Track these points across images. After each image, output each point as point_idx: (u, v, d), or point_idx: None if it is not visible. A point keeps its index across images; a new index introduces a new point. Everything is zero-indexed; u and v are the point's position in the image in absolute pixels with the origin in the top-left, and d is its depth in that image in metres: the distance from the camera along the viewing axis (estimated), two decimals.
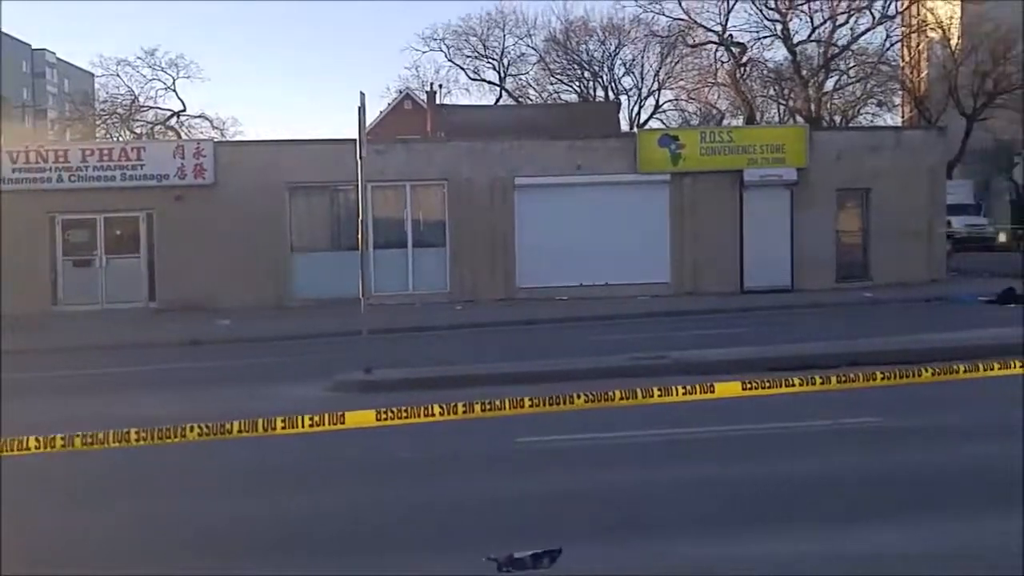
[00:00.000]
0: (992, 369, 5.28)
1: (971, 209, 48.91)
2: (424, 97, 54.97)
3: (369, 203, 25.48)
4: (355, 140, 14.75)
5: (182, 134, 48.29)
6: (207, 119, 51.15)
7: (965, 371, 5.09)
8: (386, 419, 4.78)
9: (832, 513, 6.72)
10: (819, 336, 16.48)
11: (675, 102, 60.75)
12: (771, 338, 16.53)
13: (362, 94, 14.62)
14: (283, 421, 4.69)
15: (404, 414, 4.72)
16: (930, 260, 27.96)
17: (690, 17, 50.51)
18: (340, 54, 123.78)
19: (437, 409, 4.62)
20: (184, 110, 50.37)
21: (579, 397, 4.50)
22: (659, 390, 4.80)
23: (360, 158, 14.55)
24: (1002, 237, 49.48)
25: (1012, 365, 5.48)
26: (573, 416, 6.33)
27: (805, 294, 25.74)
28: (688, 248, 27.23)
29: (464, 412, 4.56)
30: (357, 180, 14.85)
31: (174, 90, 50.32)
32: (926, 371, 5.11)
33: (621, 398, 4.58)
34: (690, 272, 27.19)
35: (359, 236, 15.04)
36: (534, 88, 61.21)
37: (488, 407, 4.57)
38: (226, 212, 25.60)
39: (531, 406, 4.52)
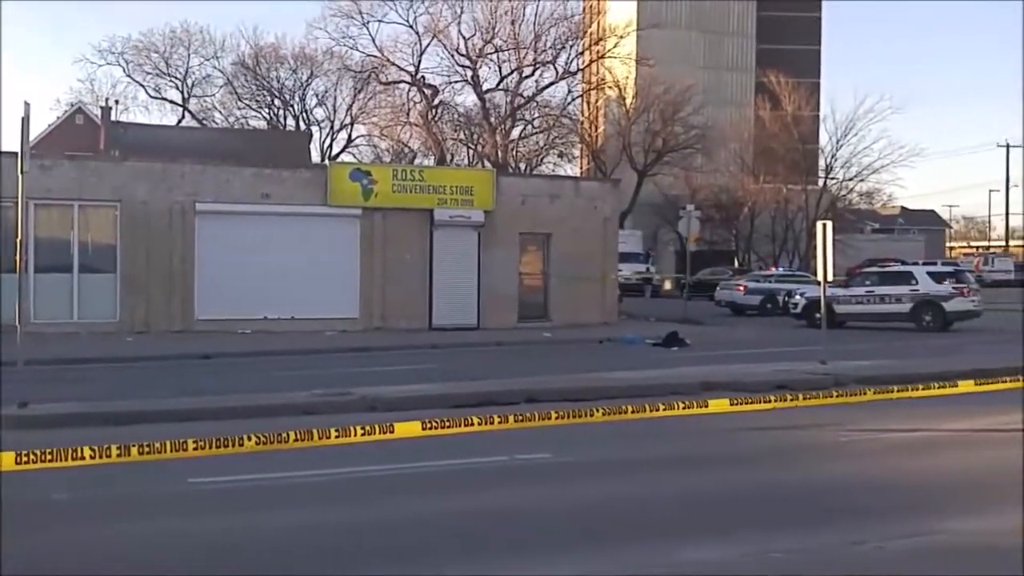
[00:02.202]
0: (657, 410, 5.54)
1: (640, 258, 52.78)
2: (98, 112, 51.61)
3: (31, 222, 23.45)
4: (17, 153, 13.50)
5: None
6: None
7: (633, 411, 5.31)
8: (27, 463, 4.24)
9: (502, 545, 6.78)
10: (501, 373, 16.94)
11: (368, 138, 61.04)
12: (456, 374, 16.79)
13: (27, 104, 13.37)
14: None
15: (49, 457, 4.21)
16: (603, 303, 29.72)
17: (383, 55, 51.01)
18: (4, 59, 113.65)
19: (87, 452, 4.15)
20: None
21: (249, 439, 4.21)
22: (336, 431, 4.60)
23: (22, 173, 13.32)
24: (667, 284, 53.83)
25: (676, 406, 5.80)
26: (250, 454, 5.99)
27: (490, 332, 26.48)
28: (378, 283, 27.24)
29: (119, 455, 4.13)
30: (18, 197, 13.59)
31: None
32: (597, 411, 5.27)
33: (296, 440, 4.34)
34: (379, 307, 27.19)
35: (17, 258, 13.74)
36: (220, 112, 59.33)
37: (147, 450, 4.16)
38: None
39: (196, 448, 4.17)
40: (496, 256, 28.19)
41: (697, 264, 44.86)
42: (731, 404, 7.47)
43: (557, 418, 5.57)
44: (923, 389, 9.19)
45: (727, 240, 62.32)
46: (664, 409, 6.14)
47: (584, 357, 21.70)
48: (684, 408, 7.06)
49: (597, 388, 14.22)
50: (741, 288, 37.53)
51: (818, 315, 23.11)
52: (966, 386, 9.48)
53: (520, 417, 5.71)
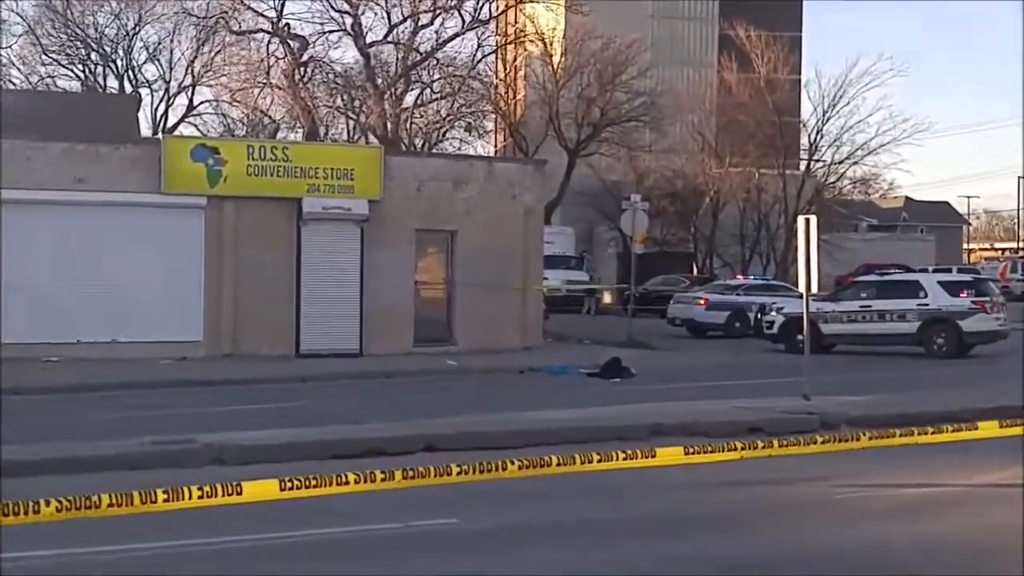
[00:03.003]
0: (591, 461, 5.56)
1: (572, 263, 53.23)
2: None
3: None
4: None
5: None
6: None
7: (560, 463, 5.32)
8: None
9: None
10: (391, 414, 16.88)
11: (215, 104, 60.40)
12: (332, 416, 16.69)
13: None
14: None
15: None
16: (524, 322, 29.86)
17: None
18: None
19: None
20: None
21: (48, 504, 4.09)
22: (165, 493, 4.51)
23: None
24: (607, 297, 54.39)
25: (615, 456, 5.83)
26: (49, 523, 5.84)
27: (377, 360, 26.41)
28: (228, 296, 26.95)
29: None
30: None
31: None
32: (512, 464, 5.27)
33: (111, 504, 4.24)
34: (230, 328, 26.90)
35: None
36: (19, 68, 58.09)
37: None
38: None
39: None
40: (385, 260, 28.13)
41: (645, 271, 45.46)
42: (687, 453, 7.55)
43: (461, 473, 5.56)
44: (933, 433, 9.39)
45: (684, 240, 63.29)
46: (601, 460, 6.16)
47: (499, 392, 21.72)
48: (628, 459, 7.10)
49: (515, 433, 14.22)
50: (702, 302, 38.13)
51: (800, 337, 23.53)
52: (988, 428, 9.71)
53: (415, 472, 5.68)
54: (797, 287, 19.96)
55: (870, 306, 29.92)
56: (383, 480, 5.44)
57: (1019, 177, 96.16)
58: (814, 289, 18.76)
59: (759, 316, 33.93)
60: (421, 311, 29.00)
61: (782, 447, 8.86)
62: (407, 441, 13.70)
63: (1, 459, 11.73)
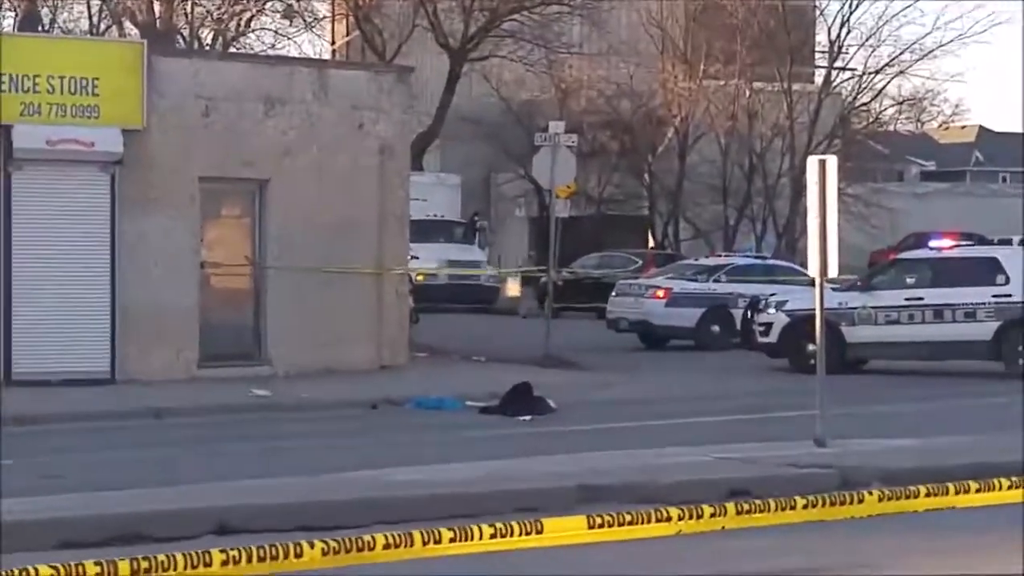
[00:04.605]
0: (473, 537, 5.74)
1: (458, 232, 53.29)
2: None
3: None
4: None
5: None
6: None
7: (427, 540, 5.50)
8: None
9: None
10: (164, 475, 16.88)
11: None
12: (69, 481, 16.67)
13: None
14: None
15: None
16: (380, 328, 29.93)
17: None
18: None
19: None
20: None
21: None
22: None
23: None
24: (511, 288, 54.39)
25: (509, 530, 5.99)
26: None
27: (139, 389, 26.31)
28: None
29: None
30: None
31: None
32: (378, 541, 5.41)
33: None
34: None
35: None
36: None
37: None
38: None
39: None
40: (151, 229, 28.01)
41: (575, 245, 45.95)
42: (592, 526, 7.78)
43: (262, 560, 5.74)
44: (1007, 488, 9.69)
45: (635, 197, 63.77)
46: (495, 535, 6.33)
47: (337, 439, 21.79)
48: (495, 536, 7.31)
49: (359, 503, 14.37)
50: (661, 294, 38.42)
51: (811, 348, 23.95)
52: None
53: (198, 559, 5.83)
54: (807, 270, 20.25)
55: (921, 299, 30.43)
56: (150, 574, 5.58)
57: None
58: (834, 273, 18.99)
59: (749, 315, 34.35)
60: (212, 312, 28.86)
61: (778, 513, 9.06)
62: (188, 519, 13.71)
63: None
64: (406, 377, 28.61)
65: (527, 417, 23.87)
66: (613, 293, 39.93)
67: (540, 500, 14.66)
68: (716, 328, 37.31)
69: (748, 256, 46.10)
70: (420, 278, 42.83)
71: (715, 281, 38.93)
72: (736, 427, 21.57)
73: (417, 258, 40.04)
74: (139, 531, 13.33)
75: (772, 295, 33.06)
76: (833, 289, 27.50)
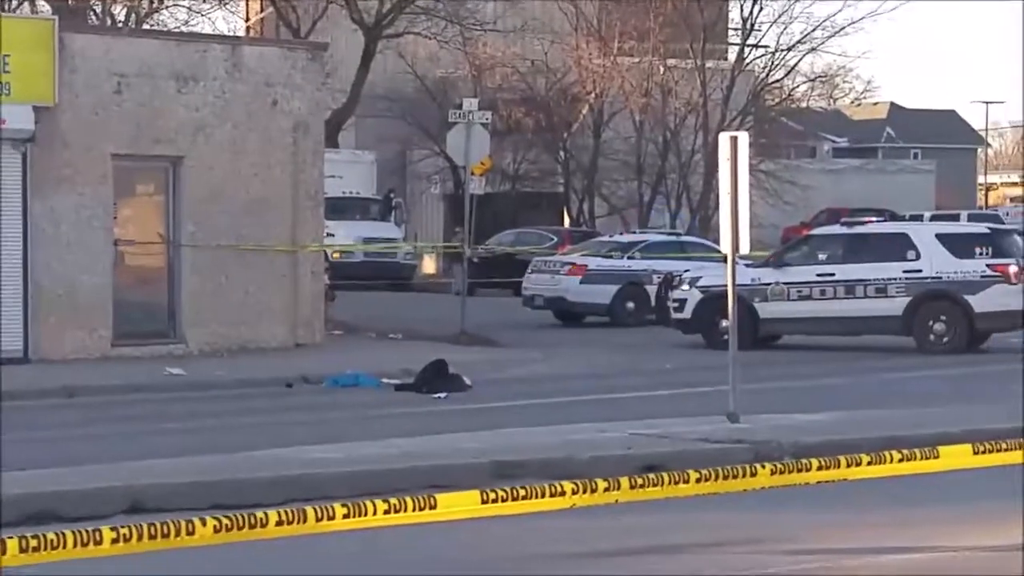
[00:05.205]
0: (329, 517, 5.69)
1: (374, 209, 53.15)
2: None
3: None
4: None
5: None
6: None
7: (280, 522, 5.46)
8: None
9: None
10: (77, 454, 16.71)
11: None
12: None
13: None
14: None
15: None
16: (295, 306, 29.83)
17: None
18: None
19: None
20: None
21: None
22: None
23: None
24: (428, 265, 54.29)
25: (425, 504, 5.97)
26: None
27: (52, 368, 26.19)
28: None
29: None
30: None
31: None
32: (271, 517, 5.37)
33: None
34: None
35: None
36: None
37: None
38: None
39: None
40: (63, 206, 27.82)
41: (491, 222, 45.94)
42: (486, 500, 7.82)
43: (152, 537, 5.74)
44: (871, 463, 9.74)
45: (550, 174, 63.76)
46: (388, 511, 6.40)
47: (252, 418, 21.76)
48: (391, 511, 7.35)
49: (272, 482, 14.37)
50: (576, 270, 38.47)
51: (724, 323, 24.05)
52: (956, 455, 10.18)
53: (88, 537, 5.83)
54: (721, 246, 20.30)
55: (833, 274, 30.58)
56: (57, 548, 5.56)
57: None
58: (746, 249, 19.03)
59: (664, 292, 34.43)
60: (125, 290, 28.65)
61: (689, 485, 9.07)
62: (104, 497, 13.65)
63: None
64: (321, 355, 28.55)
65: (442, 394, 23.89)
66: (529, 270, 39.95)
67: (454, 477, 14.66)
68: (631, 305, 37.44)
69: (662, 233, 46.22)
70: (336, 255, 42.62)
71: (630, 258, 39.02)
72: (650, 403, 21.68)
73: (333, 235, 40.01)
74: (52, 511, 13.28)
75: (686, 271, 33.19)
76: (746, 265, 27.66)
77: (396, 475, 14.72)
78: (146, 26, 50.93)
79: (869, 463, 9.63)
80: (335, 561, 10.99)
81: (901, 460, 9.75)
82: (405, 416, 21.39)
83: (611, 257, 39.26)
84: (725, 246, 18.83)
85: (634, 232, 46.56)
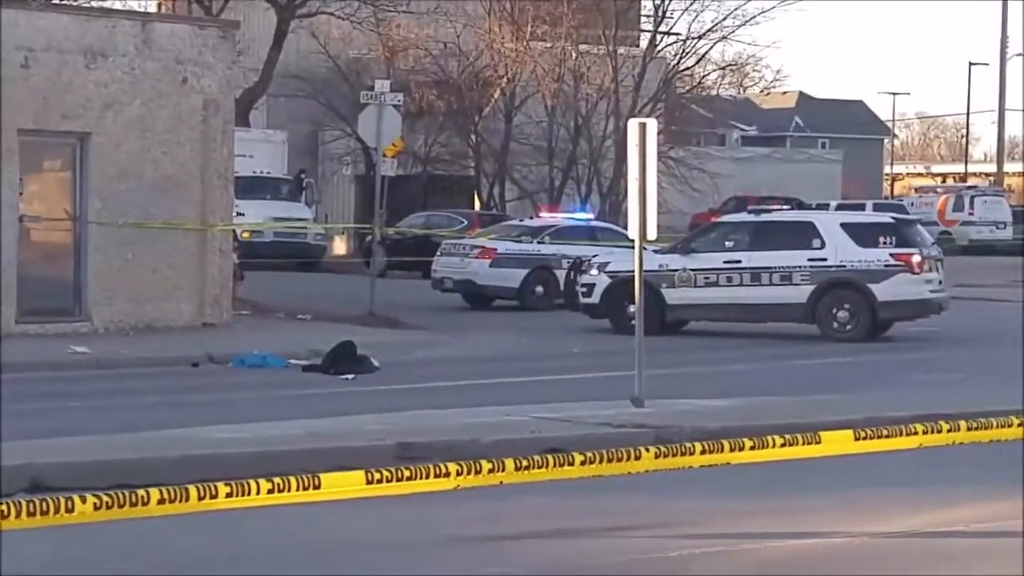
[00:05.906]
0: (279, 489, 5.67)
1: (285, 189, 52.91)
2: None
3: None
4: None
5: None
6: None
7: (161, 500, 5.44)
8: None
9: None
10: None
11: None
12: None
13: None
14: None
15: None
16: (203, 285, 29.68)
17: None
18: None
19: None
20: None
21: None
22: None
23: None
24: (339, 246, 54.08)
25: (310, 483, 5.94)
26: None
27: None
28: None
29: None
30: None
31: None
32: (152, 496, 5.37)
33: None
34: None
35: None
36: None
37: None
38: None
39: None
40: None
41: (403, 204, 45.83)
42: (371, 481, 7.86)
43: (32, 515, 5.78)
44: (753, 448, 9.87)
45: (462, 157, 63.70)
46: (272, 490, 6.41)
47: (158, 397, 21.72)
48: (309, 489, 7.36)
49: (176, 462, 14.31)
50: (486, 254, 38.47)
51: (631, 309, 24.12)
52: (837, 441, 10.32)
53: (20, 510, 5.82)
54: (629, 232, 20.34)
55: (739, 261, 30.72)
56: None
57: (971, 64, 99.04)
58: (653, 235, 19.07)
59: (572, 276, 34.48)
60: (30, 267, 28.41)
61: (591, 465, 9.12)
62: (6, 476, 13.57)
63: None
64: (229, 335, 28.48)
65: (350, 376, 23.92)
66: (438, 253, 39.98)
67: (358, 459, 14.62)
68: (540, 289, 37.52)
69: (572, 218, 46.18)
70: (245, 235, 42.47)
71: (539, 242, 39.06)
72: (556, 387, 21.73)
73: (243, 215, 39.85)
74: None
75: (594, 256, 33.25)
76: (654, 251, 27.73)
77: (299, 456, 14.71)
78: (55, 0, 50.53)
79: (752, 448, 9.73)
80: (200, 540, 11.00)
81: (784, 445, 9.87)
82: (312, 397, 21.33)
83: (521, 241, 39.29)
84: (633, 232, 18.92)
85: (541, 215, 46.40)
